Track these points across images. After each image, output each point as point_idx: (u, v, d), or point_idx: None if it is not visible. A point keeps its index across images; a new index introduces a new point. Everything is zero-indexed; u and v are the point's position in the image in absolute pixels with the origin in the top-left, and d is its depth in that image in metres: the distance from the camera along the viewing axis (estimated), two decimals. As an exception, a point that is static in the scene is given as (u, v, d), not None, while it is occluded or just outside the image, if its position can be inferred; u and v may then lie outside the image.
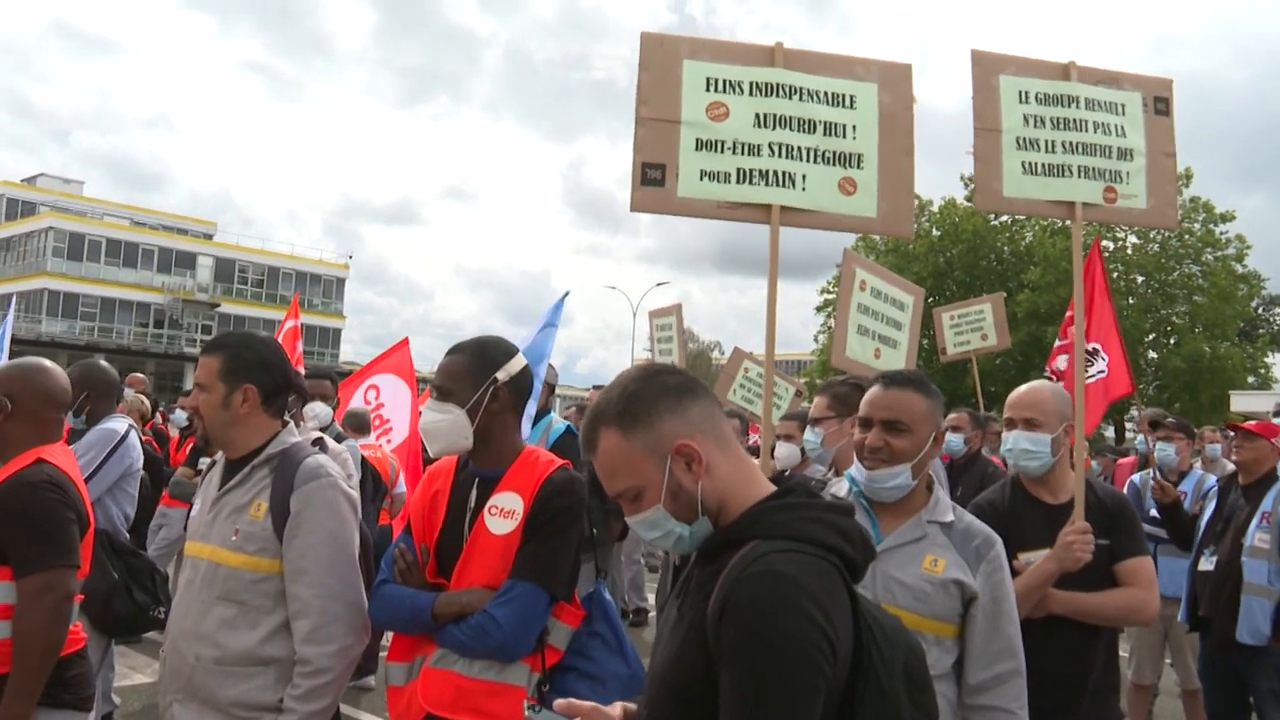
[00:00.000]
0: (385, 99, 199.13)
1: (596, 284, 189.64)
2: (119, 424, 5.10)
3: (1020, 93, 4.12)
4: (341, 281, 70.48)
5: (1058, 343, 8.19)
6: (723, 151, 3.87)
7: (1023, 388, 3.84)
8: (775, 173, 3.89)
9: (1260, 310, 49.08)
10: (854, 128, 4.00)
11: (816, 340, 49.66)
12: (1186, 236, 41.63)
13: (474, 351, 3.12)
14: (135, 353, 55.97)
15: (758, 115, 3.92)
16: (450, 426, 3.03)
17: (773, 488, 1.92)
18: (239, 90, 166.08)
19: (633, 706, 2.00)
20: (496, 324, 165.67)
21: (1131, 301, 41.23)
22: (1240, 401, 32.56)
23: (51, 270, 58.71)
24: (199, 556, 3.06)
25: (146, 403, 9.50)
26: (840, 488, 3.05)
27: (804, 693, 1.63)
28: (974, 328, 9.84)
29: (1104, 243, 42.04)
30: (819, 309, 48.51)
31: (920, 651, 1.88)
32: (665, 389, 1.92)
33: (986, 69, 4.10)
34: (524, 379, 3.14)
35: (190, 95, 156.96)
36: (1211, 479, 6.95)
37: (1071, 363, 6.79)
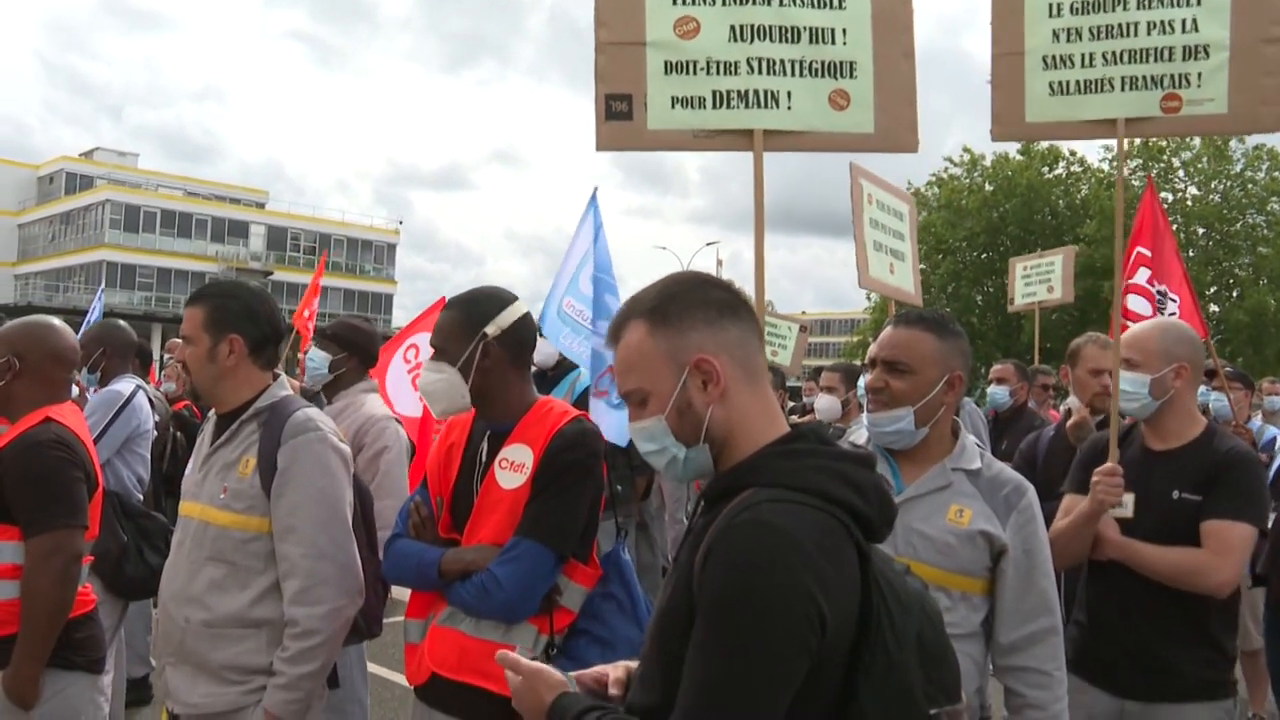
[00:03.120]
0: (431, 65, 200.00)
1: (646, 245, 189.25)
2: (126, 385, 5.05)
3: (1050, 6, 3.68)
4: (393, 247, 70.92)
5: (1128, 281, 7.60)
6: (695, 73, 3.49)
7: (1136, 326, 3.52)
8: (756, 92, 3.49)
9: (1328, 261, 47.64)
10: (844, 31, 3.55)
11: (869, 298, 49.10)
12: (1250, 185, 40.55)
13: (464, 306, 2.96)
14: (191, 322, 56.71)
15: (733, 28, 3.51)
16: (446, 387, 2.88)
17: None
18: (285, 60, 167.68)
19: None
20: (548, 287, 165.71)
21: (1192, 254, 40.26)
22: (1307, 354, 31.68)
23: (109, 242, 59.68)
24: (189, 516, 2.96)
25: (189, 367, 9.54)
26: (860, 435, 2.87)
27: (777, 657, 1.47)
28: (1043, 279, 9.55)
29: (1163, 194, 41.11)
30: (871, 267, 47.90)
31: (939, 620, 1.69)
32: (707, 300, 1.76)
33: None
34: (521, 329, 2.94)
35: (238, 67, 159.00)
36: (1271, 430, 6.67)
37: (1119, 307, 6.41)
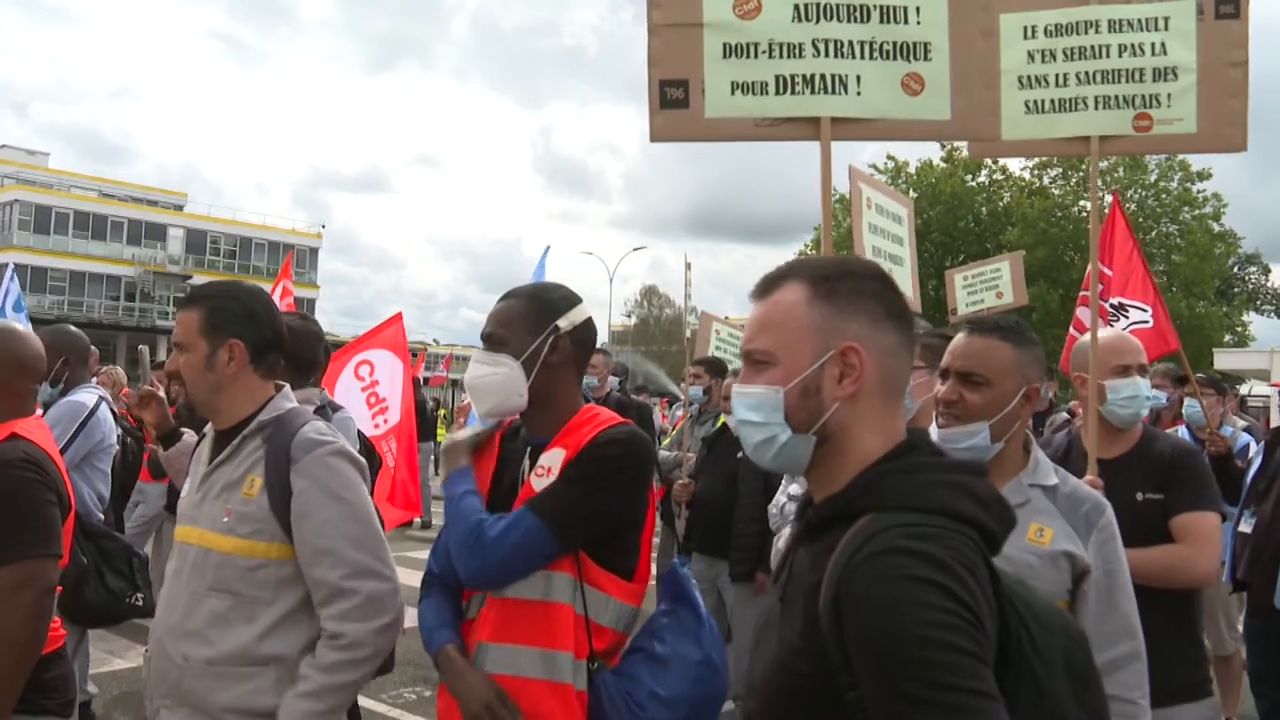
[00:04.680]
0: (352, 67, 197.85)
1: (570, 250, 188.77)
2: (88, 396, 4.73)
3: (1025, 29, 3.77)
4: (315, 251, 69.78)
5: (1083, 293, 7.79)
6: (756, 56, 3.28)
7: (1085, 337, 3.64)
8: (823, 76, 3.28)
9: (1236, 269, 49.18)
10: (917, 10, 3.33)
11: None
12: (1164, 195, 41.63)
13: (532, 295, 2.70)
14: (107, 326, 55.23)
15: (797, 8, 3.29)
16: (502, 381, 2.59)
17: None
18: (202, 59, 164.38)
19: None
20: (471, 293, 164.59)
21: (1110, 261, 41.19)
22: (1224, 359, 32.64)
23: (18, 244, 57.77)
24: (187, 542, 2.69)
25: (122, 374, 9.14)
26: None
27: (983, 697, 1.26)
28: (989, 286, 9.49)
29: (1081, 202, 42.08)
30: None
31: (1083, 638, 1.53)
32: (879, 296, 1.60)
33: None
34: (587, 332, 2.71)
35: (153, 65, 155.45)
36: (1245, 437, 6.76)
37: (1097, 315, 6.59)
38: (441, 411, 25.99)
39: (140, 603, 4.12)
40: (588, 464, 2.51)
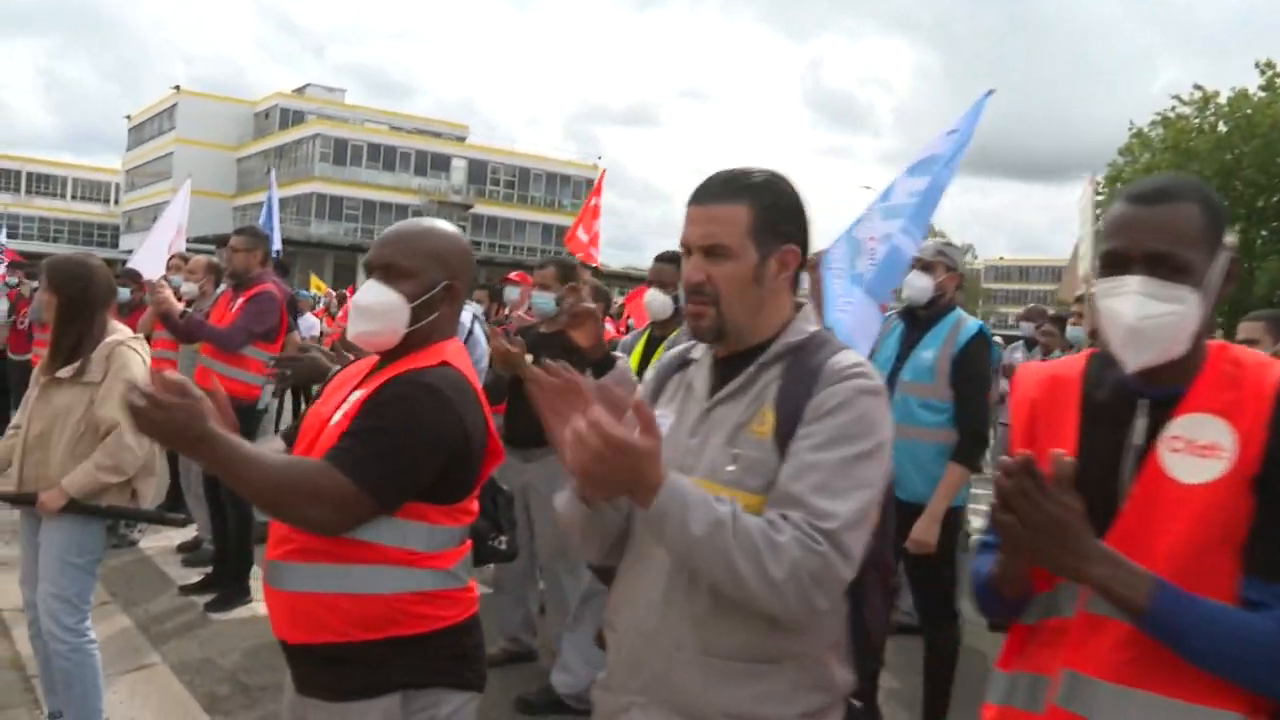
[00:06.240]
0: (621, 2, 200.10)
1: (836, 186, 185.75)
2: (464, 314, 4.59)
3: None
4: (590, 182, 71.20)
5: None
6: None
7: None
8: None
9: None
10: None
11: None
12: None
13: (1204, 200, 1.83)
14: (395, 253, 58.31)
15: None
16: (1177, 322, 1.78)
17: None
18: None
19: None
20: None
21: None
22: None
23: (319, 174, 61.94)
24: None
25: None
26: None
27: None
28: None
29: None
30: (1086, 211, 45.22)
31: None
32: None
33: None
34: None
35: (434, 5, 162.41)
36: None
37: None
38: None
39: (504, 545, 3.58)
40: None
